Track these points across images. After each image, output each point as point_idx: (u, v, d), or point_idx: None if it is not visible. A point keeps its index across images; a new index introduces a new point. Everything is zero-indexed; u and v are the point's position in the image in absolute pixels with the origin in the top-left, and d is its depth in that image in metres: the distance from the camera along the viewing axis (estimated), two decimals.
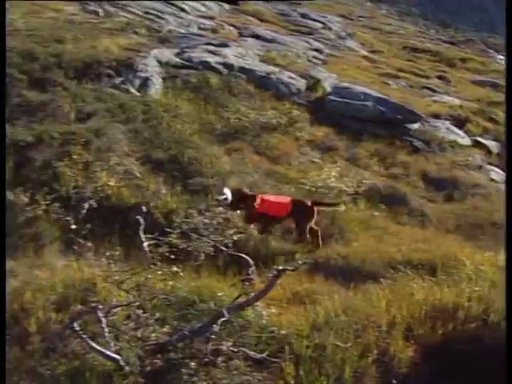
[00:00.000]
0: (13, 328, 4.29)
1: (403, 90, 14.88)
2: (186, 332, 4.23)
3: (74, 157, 7.17)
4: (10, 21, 11.75)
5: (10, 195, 6.38)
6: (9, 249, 5.99)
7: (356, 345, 4.21)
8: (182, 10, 18.68)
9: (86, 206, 6.39)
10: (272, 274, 4.51)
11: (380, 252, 6.28)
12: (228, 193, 6.90)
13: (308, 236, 6.99)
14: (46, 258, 5.68)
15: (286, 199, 7.16)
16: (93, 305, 4.26)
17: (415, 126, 11.28)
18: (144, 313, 4.42)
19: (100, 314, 4.14)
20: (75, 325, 4.12)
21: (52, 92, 8.69)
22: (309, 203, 7.07)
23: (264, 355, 4.14)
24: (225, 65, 11.53)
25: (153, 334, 4.31)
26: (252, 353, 4.16)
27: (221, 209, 6.10)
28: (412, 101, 12.72)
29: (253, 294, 4.57)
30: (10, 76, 8.69)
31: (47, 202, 6.42)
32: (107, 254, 4.72)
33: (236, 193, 7.01)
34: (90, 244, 5.30)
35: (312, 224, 7.03)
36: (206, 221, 5.67)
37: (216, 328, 4.21)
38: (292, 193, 7.63)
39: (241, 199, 6.95)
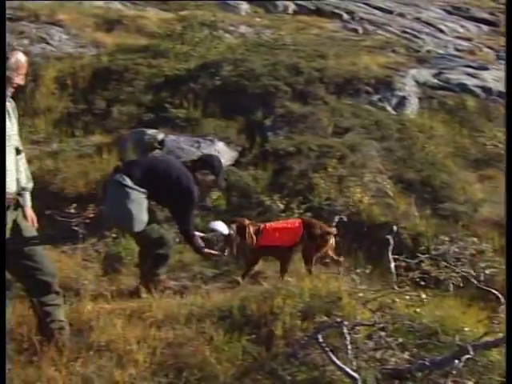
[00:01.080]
0: (260, 329, 4.50)
1: None
2: (427, 362, 4.09)
3: (329, 170, 7.34)
4: (278, 36, 12.47)
5: (267, 201, 6.75)
6: None
7: None
8: (440, 30, 18.30)
9: (337, 219, 6.49)
10: None
11: None
12: (219, 226, 5.79)
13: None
14: (296, 264, 5.88)
15: (295, 221, 6.02)
16: (338, 319, 4.30)
17: None
18: (386, 335, 4.38)
19: (345, 330, 4.17)
20: (319, 336, 4.20)
21: (313, 105, 8.99)
22: (325, 228, 5.89)
23: None
24: (483, 88, 11.04)
25: (392, 358, 4.24)
26: None
27: (474, 239, 5.82)
28: None
29: (501, 335, 4.30)
30: (275, 87, 9.19)
31: (300, 211, 6.63)
32: (357, 270, 4.77)
33: (239, 224, 5.85)
34: (341, 258, 5.38)
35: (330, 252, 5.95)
36: (457, 250, 5.46)
37: (458, 364, 4.03)
38: None
39: (243, 232, 5.80)
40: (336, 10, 18.76)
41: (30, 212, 4.32)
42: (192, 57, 10.61)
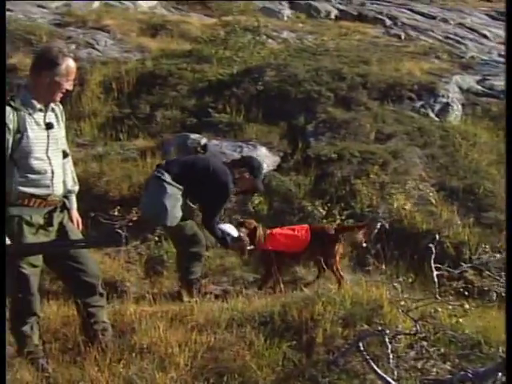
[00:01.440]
0: (301, 336, 4.51)
1: None
2: (469, 374, 4.03)
3: (371, 176, 7.30)
4: (320, 42, 12.46)
5: (308, 206, 6.75)
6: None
7: None
8: (484, 36, 18.03)
9: (378, 225, 6.47)
10: None
11: None
12: (229, 228, 5.69)
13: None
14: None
15: (303, 228, 5.89)
16: (380, 328, 4.29)
17: None
18: (428, 345, 4.34)
19: (386, 339, 4.15)
20: (360, 344, 4.19)
21: (356, 111, 8.95)
22: (331, 230, 5.83)
23: None
24: None
25: (433, 369, 4.21)
26: None
27: None
28: None
29: None
30: (318, 93, 9.19)
31: (342, 217, 6.62)
32: (400, 278, 4.74)
33: (248, 225, 5.83)
34: (383, 266, 5.36)
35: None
36: (500, 259, 5.39)
37: (502, 377, 3.96)
38: None
39: (253, 235, 5.76)
40: (378, 16, 18.66)
41: (75, 214, 4.41)
42: (235, 62, 10.66)
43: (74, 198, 4.39)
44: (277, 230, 5.87)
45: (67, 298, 4.91)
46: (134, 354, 4.21)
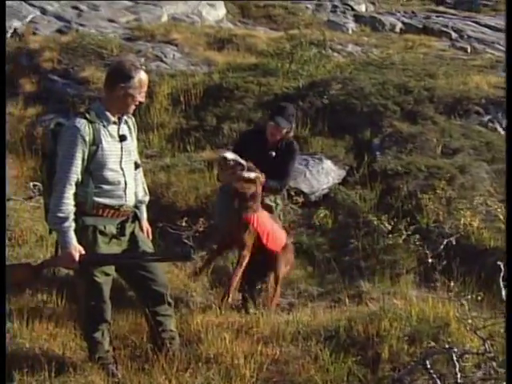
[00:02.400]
0: (366, 351, 4.50)
1: None
2: None
3: (438, 191, 7.19)
4: (386, 55, 12.40)
5: (374, 221, 6.71)
6: (366, 271, 6.33)
7: None
8: None
9: (445, 241, 6.39)
10: None
11: None
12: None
13: None
14: (402, 287, 5.81)
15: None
16: (447, 346, 4.24)
17: None
18: (497, 365, 4.25)
19: (454, 357, 4.09)
20: (427, 362, 4.15)
21: (422, 125, 8.86)
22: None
23: None
24: None
25: None
26: None
27: None
28: None
29: None
30: (384, 106, 9.15)
31: (408, 232, 6.55)
32: (467, 296, 4.67)
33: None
34: (450, 283, 5.29)
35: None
36: None
37: None
38: None
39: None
40: (444, 29, 18.46)
41: (145, 224, 4.52)
42: (301, 75, 10.71)
43: (144, 209, 4.49)
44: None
45: (136, 306, 5.04)
46: (200, 364, 4.28)
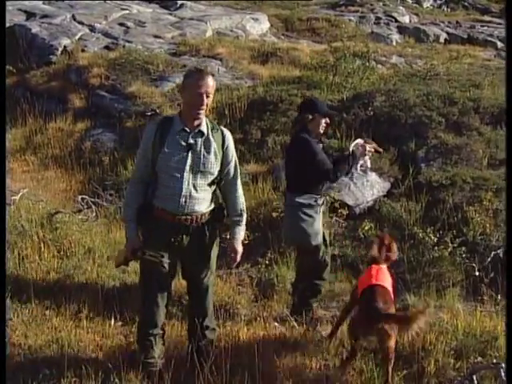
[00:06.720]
0: (412, 365, 4.47)
1: None
2: None
3: (484, 203, 7.09)
4: (430, 66, 12.30)
5: (420, 233, 6.65)
6: (412, 284, 6.28)
7: None
8: None
9: (492, 254, 6.31)
10: None
11: None
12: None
13: None
14: (448, 300, 5.75)
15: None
16: (495, 361, 4.19)
17: None
18: None
19: (502, 373, 4.04)
20: (474, 377, 4.11)
21: (468, 136, 8.75)
22: None
23: None
24: None
25: None
26: None
27: None
28: None
29: None
30: (428, 118, 9.06)
31: (454, 245, 6.48)
32: None
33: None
34: (499, 297, 5.22)
35: None
36: None
37: None
38: None
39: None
40: (489, 38, 18.26)
41: (233, 245, 4.45)
42: (345, 88, 10.72)
43: (236, 228, 4.46)
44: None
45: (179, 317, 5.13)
46: (246, 375, 4.30)
